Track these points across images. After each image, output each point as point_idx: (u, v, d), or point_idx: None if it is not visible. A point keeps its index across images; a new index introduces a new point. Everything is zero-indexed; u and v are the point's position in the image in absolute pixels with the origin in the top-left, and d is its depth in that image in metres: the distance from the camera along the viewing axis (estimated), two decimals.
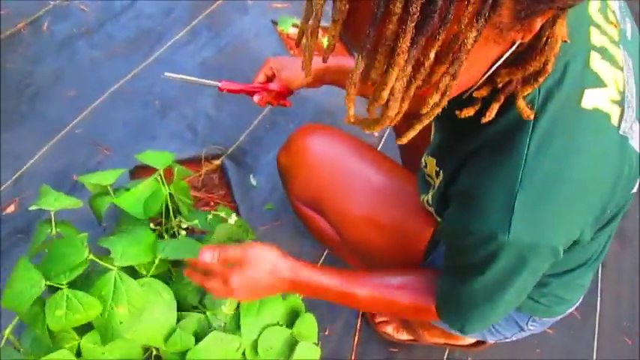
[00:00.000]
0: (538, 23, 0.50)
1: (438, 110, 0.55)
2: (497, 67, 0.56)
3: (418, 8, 0.43)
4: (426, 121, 0.57)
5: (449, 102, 0.54)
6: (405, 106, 0.52)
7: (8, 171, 1.37)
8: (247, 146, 1.62)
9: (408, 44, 0.45)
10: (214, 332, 1.05)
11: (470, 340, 1.32)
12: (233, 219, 1.17)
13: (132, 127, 1.55)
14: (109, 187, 1.17)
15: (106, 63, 1.67)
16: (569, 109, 0.61)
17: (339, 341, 1.35)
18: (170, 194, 1.16)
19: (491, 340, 1.12)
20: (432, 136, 0.88)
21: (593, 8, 0.67)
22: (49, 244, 1.02)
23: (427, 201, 0.89)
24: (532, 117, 0.60)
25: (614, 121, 0.63)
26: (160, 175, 1.16)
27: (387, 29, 0.45)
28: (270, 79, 1.23)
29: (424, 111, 0.55)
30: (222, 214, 1.18)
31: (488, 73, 0.58)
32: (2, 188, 1.35)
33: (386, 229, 1.05)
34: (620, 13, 0.72)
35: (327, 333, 1.34)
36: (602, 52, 0.64)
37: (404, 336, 1.35)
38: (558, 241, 0.64)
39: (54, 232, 1.07)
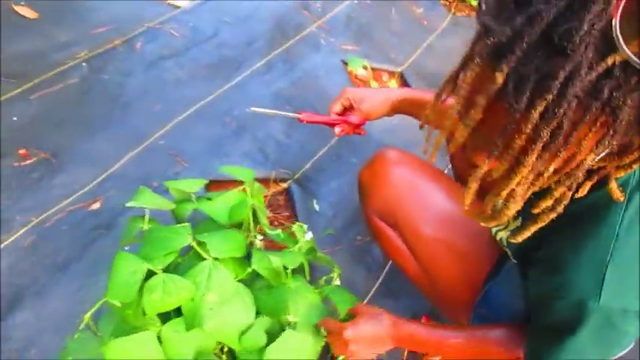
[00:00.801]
0: None
1: (554, 215, 0.61)
2: None
3: (548, 133, 0.49)
4: (540, 223, 0.63)
5: None
6: (519, 206, 0.59)
7: (96, 170, 1.48)
8: (312, 173, 1.70)
9: (534, 159, 0.52)
10: (289, 331, 1.11)
11: None
12: (309, 235, 1.25)
13: (208, 144, 1.66)
14: (192, 195, 1.26)
15: (190, 83, 1.80)
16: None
17: (389, 356, 1.39)
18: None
19: None
20: None
21: None
22: (147, 233, 1.10)
23: (501, 239, 0.96)
24: (622, 199, 0.64)
25: None
26: (246, 187, 1.25)
27: (516, 144, 0.51)
28: (346, 108, 1.31)
29: (536, 211, 0.61)
30: (297, 231, 1.26)
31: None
32: (89, 187, 1.45)
33: (454, 251, 1.13)
34: None
35: None
36: None
37: None
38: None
39: (146, 227, 1.15)
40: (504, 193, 0.57)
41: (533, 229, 0.64)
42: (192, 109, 1.72)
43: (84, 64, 1.72)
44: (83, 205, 1.41)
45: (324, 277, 1.29)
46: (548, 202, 0.59)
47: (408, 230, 1.18)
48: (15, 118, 1.53)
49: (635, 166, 0.61)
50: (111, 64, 1.77)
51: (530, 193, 0.58)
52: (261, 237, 1.28)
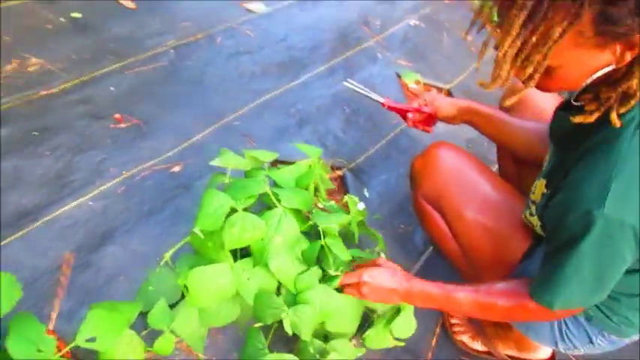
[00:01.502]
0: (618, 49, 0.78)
1: (533, 83, 0.84)
2: (599, 85, 0.84)
3: (529, 7, 0.75)
4: (527, 87, 0.86)
5: (564, 121, 0.85)
6: (511, 72, 0.82)
7: (178, 140, 1.68)
8: (364, 166, 1.88)
9: (520, 24, 0.77)
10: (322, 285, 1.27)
11: (541, 355, 1.46)
12: (361, 206, 1.42)
13: (274, 130, 1.85)
14: (264, 163, 1.45)
15: (261, 77, 2.01)
16: None
17: (418, 342, 1.52)
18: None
19: (562, 349, 1.24)
20: (545, 163, 1.13)
21: None
22: (232, 181, 1.29)
23: (529, 214, 1.12)
24: (618, 125, 0.84)
25: None
26: (312, 162, 1.43)
27: (511, 18, 0.77)
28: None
29: (522, 78, 0.83)
30: (350, 201, 1.43)
31: (588, 82, 0.85)
32: (172, 153, 1.65)
33: (491, 233, 1.28)
34: None
35: None
36: None
37: (478, 346, 1.51)
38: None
39: (227, 180, 1.34)
40: (500, 56, 0.81)
41: (522, 90, 0.91)
42: (262, 99, 1.92)
43: (172, 50, 1.96)
44: (166, 167, 1.61)
45: (368, 250, 1.46)
46: (530, 70, 0.82)
47: (451, 213, 1.34)
48: (112, 89, 1.75)
49: (632, 102, 0.82)
50: (194, 53, 1.99)
51: (519, 60, 0.81)
52: (322, 206, 1.46)
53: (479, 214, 1.29)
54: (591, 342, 1.17)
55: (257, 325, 1.26)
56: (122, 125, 1.66)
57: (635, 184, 0.83)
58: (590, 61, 0.83)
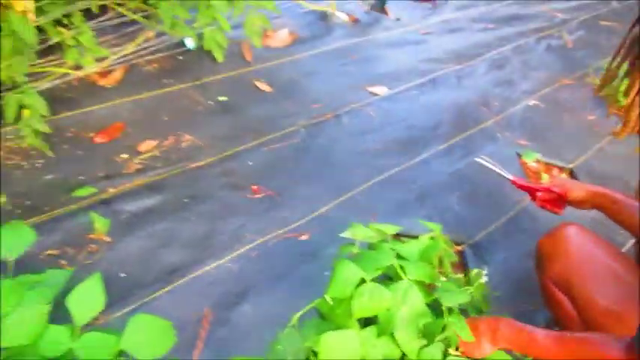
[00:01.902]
0: None
1: None
2: None
3: None
4: None
5: None
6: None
7: (306, 210, 1.82)
8: (484, 243, 1.90)
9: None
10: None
11: None
12: (484, 279, 1.44)
13: (395, 205, 1.94)
14: (388, 236, 1.53)
15: (383, 155, 2.13)
16: None
17: None
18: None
19: None
20: None
21: None
22: (362, 253, 1.38)
23: None
24: None
25: None
26: (436, 236, 1.49)
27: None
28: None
29: None
30: (474, 275, 1.46)
31: None
32: (301, 222, 1.79)
33: (625, 323, 1.23)
34: None
35: None
36: None
37: None
38: None
39: (355, 251, 1.43)
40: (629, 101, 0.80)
41: None
42: (384, 175, 2.03)
43: (302, 129, 2.14)
44: (295, 235, 1.74)
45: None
46: None
47: (582, 299, 1.31)
48: (250, 163, 1.95)
49: None
50: (323, 132, 2.17)
51: None
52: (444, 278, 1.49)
53: (612, 301, 1.25)
54: None
55: None
56: (258, 196, 1.84)
57: None
58: None
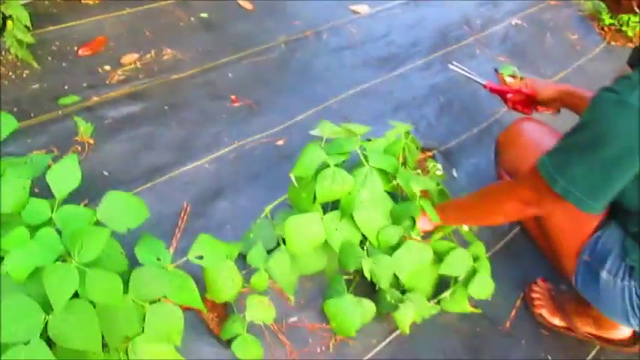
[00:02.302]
0: None
1: None
2: None
3: None
4: None
5: None
6: None
7: (283, 118, 1.90)
8: (455, 150, 1.98)
9: None
10: (413, 243, 1.39)
11: (621, 334, 1.45)
12: (440, 170, 1.53)
13: (371, 114, 2.01)
14: (358, 136, 1.60)
15: (362, 69, 2.19)
16: None
17: (497, 311, 1.57)
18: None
19: (635, 325, 1.23)
20: None
21: None
22: (330, 141, 1.46)
23: None
24: None
25: None
26: (401, 135, 1.57)
27: None
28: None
29: None
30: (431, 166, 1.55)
31: None
32: (277, 129, 1.86)
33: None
34: None
35: (488, 299, 1.58)
36: None
37: (557, 321, 1.53)
38: None
39: (322, 145, 1.52)
40: None
41: None
42: (361, 87, 2.10)
43: (283, 45, 2.19)
44: (272, 140, 1.82)
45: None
46: None
47: None
48: (230, 75, 2.02)
49: None
50: (302, 48, 2.22)
51: None
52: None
53: None
54: None
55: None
56: (237, 104, 1.91)
57: None
58: None
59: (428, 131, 2.01)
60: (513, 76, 2.34)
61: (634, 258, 1.14)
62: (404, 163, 1.60)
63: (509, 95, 1.59)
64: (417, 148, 1.70)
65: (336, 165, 1.38)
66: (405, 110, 2.06)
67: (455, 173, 1.88)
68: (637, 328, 1.25)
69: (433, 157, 1.92)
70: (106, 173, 1.61)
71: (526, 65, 2.46)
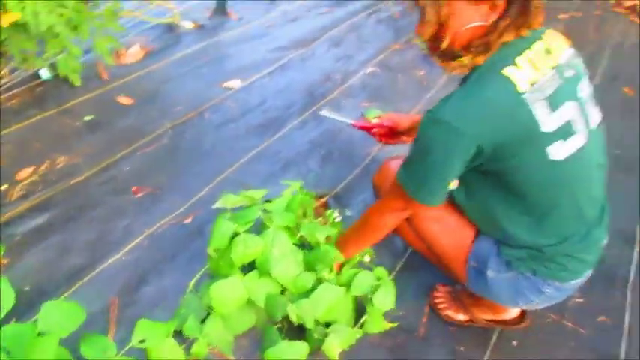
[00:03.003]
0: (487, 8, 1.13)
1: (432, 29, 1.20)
2: (472, 40, 1.18)
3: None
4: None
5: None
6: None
7: (187, 198, 2.06)
8: (344, 192, 2.24)
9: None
10: (326, 283, 1.60)
11: (512, 314, 1.73)
12: (339, 218, 1.77)
13: (264, 177, 2.22)
14: (258, 200, 1.81)
15: (247, 138, 2.41)
16: (494, 69, 1.13)
17: (411, 321, 1.79)
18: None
19: (522, 305, 1.48)
20: None
21: (538, 47, 1.18)
22: (237, 211, 1.64)
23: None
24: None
25: (520, 89, 1.11)
26: (297, 191, 1.80)
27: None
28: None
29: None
30: (329, 215, 1.79)
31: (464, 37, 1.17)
32: (182, 209, 2.02)
33: (442, 224, 1.52)
34: (566, 59, 1.23)
35: (401, 313, 1.81)
36: (530, 60, 1.15)
37: (462, 316, 1.78)
38: (463, 127, 1.09)
39: (229, 215, 1.70)
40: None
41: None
42: (251, 154, 2.31)
43: (170, 130, 2.37)
44: (180, 220, 1.98)
45: (358, 257, 1.78)
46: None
47: (411, 218, 1.57)
48: (127, 169, 2.15)
49: (489, 53, 1.16)
50: (189, 129, 2.41)
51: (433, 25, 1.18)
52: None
53: (428, 210, 1.49)
54: (541, 292, 1.36)
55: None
56: (139, 195, 2.04)
57: (469, 99, 1.11)
58: (468, 14, 1.14)
59: (317, 181, 2.25)
60: (379, 117, 2.68)
61: (507, 253, 1.38)
62: (305, 215, 1.83)
63: (374, 130, 1.86)
64: (312, 198, 1.94)
65: (246, 231, 1.56)
66: (294, 167, 2.30)
67: (348, 212, 2.13)
68: (525, 306, 1.51)
69: (326, 203, 2.16)
70: (27, 288, 1.67)
71: (386, 105, 2.82)
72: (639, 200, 2.52)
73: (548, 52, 1.21)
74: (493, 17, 1.14)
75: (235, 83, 2.76)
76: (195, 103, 2.57)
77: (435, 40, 1.23)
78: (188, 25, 3.19)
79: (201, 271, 1.65)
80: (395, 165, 1.68)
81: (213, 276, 1.66)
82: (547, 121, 1.15)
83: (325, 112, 1.93)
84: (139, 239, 1.88)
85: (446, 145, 1.13)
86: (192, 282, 1.65)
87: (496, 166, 1.19)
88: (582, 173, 1.27)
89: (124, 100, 2.50)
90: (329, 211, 1.80)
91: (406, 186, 1.27)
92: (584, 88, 1.26)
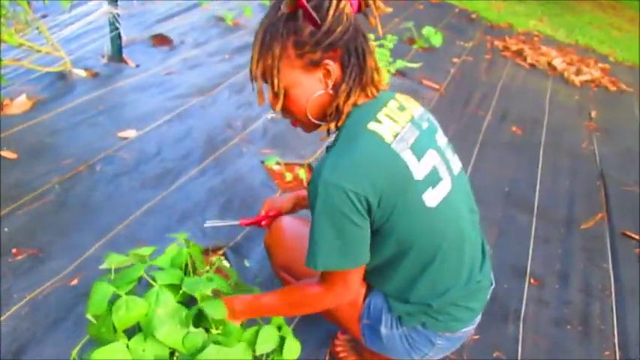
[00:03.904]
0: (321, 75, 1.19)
1: (279, 105, 1.22)
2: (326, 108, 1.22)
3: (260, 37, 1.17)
4: (277, 109, 1.24)
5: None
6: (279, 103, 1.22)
7: (73, 258, 1.94)
8: (243, 242, 2.21)
9: (257, 50, 1.18)
10: (214, 345, 1.55)
11: None
12: (226, 264, 1.74)
13: (158, 231, 2.15)
14: (147, 257, 1.74)
15: (141, 191, 2.34)
16: (359, 126, 1.17)
17: None
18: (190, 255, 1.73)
19: (416, 357, 1.46)
20: None
21: (392, 104, 1.25)
22: (118, 272, 1.56)
23: None
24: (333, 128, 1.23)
25: (387, 140, 1.16)
26: (183, 244, 1.74)
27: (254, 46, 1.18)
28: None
29: (272, 101, 1.25)
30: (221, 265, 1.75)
31: (310, 105, 1.21)
32: (68, 270, 1.91)
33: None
34: (420, 114, 1.31)
35: None
36: (388, 115, 1.21)
37: None
38: (349, 185, 1.10)
39: (112, 277, 1.62)
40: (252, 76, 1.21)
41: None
42: (144, 208, 2.24)
43: (57, 185, 2.25)
44: (65, 282, 1.86)
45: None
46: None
47: (302, 276, 1.55)
48: (6, 229, 2.01)
49: (344, 116, 1.20)
50: (78, 184, 2.30)
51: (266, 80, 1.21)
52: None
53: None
54: (433, 344, 1.39)
55: None
56: (20, 257, 1.91)
57: (345, 157, 1.13)
58: (308, 84, 1.18)
59: (215, 233, 2.21)
60: (278, 163, 2.70)
61: (397, 309, 1.39)
62: (194, 269, 1.78)
63: (263, 222, 1.78)
64: (200, 249, 1.88)
65: (128, 292, 1.49)
66: (190, 219, 2.25)
67: (247, 263, 2.10)
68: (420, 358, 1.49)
69: (224, 254, 2.12)
70: None
71: (288, 152, 2.84)
72: (530, 235, 2.68)
73: (402, 108, 1.28)
74: (331, 83, 1.18)
75: (131, 133, 2.68)
76: (87, 155, 2.46)
77: (289, 112, 1.27)
78: (81, 73, 3.08)
79: (85, 339, 1.54)
80: (288, 226, 1.66)
81: (96, 343, 1.56)
82: (417, 169, 1.19)
83: (209, 223, 1.89)
84: (18, 306, 1.74)
85: (340, 205, 1.12)
86: (75, 350, 1.54)
87: (381, 220, 1.20)
88: (454, 217, 1.31)
89: (8, 154, 2.36)
90: (215, 258, 1.75)
91: (329, 264, 1.22)
92: (440, 138, 1.32)
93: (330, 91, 1.20)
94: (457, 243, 1.33)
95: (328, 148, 1.27)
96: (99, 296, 1.47)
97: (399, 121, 1.23)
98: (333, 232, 1.15)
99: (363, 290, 1.47)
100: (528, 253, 2.56)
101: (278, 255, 1.65)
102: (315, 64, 1.17)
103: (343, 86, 1.18)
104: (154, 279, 1.55)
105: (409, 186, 1.18)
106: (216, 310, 1.55)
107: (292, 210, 1.78)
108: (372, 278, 1.44)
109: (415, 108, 1.33)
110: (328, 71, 1.17)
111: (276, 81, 1.18)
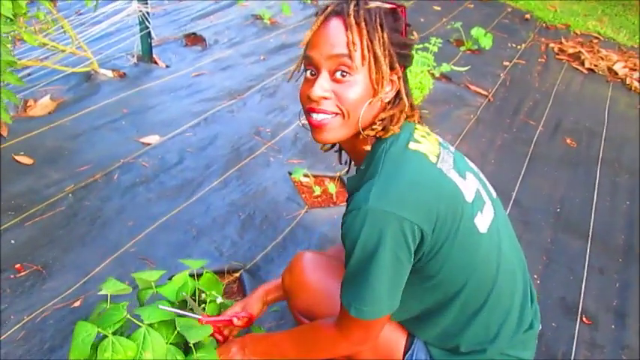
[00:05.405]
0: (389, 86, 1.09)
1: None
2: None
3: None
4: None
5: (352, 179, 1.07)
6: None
7: (77, 277, 1.81)
8: (262, 264, 2.03)
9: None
10: None
11: None
12: (219, 299, 1.56)
13: (172, 248, 2.00)
14: (152, 283, 1.59)
15: (157, 203, 2.19)
16: (401, 146, 1.08)
17: None
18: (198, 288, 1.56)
19: None
20: None
21: (419, 128, 1.18)
22: (103, 311, 1.41)
23: None
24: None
25: (432, 160, 1.07)
26: (191, 273, 1.57)
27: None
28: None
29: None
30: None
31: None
32: (71, 290, 1.77)
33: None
34: (442, 140, 1.21)
35: None
36: (423, 137, 1.13)
37: None
38: (402, 212, 0.97)
39: (107, 306, 1.47)
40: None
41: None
42: (159, 222, 2.09)
43: (70, 195, 2.13)
44: (66, 304, 1.73)
45: None
46: None
47: None
48: (12, 242, 1.90)
49: (387, 134, 1.10)
50: (92, 193, 2.17)
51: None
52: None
53: None
54: None
55: None
56: (22, 273, 1.79)
57: (393, 181, 1.01)
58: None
59: (232, 251, 2.04)
60: (307, 176, 2.51)
61: (441, 357, 1.24)
62: (202, 302, 1.60)
63: (235, 321, 1.47)
64: (217, 279, 1.71)
65: (115, 332, 1.33)
66: (207, 236, 2.09)
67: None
68: None
69: (240, 278, 1.95)
70: None
71: (318, 162, 2.65)
72: (583, 265, 2.40)
73: (428, 133, 1.20)
74: (392, 94, 1.12)
75: (153, 139, 2.55)
76: (105, 161, 2.34)
77: (346, 101, 1.08)
78: (108, 73, 2.97)
79: None
80: (310, 267, 1.46)
81: None
82: (465, 190, 1.10)
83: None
84: (13, 329, 1.62)
85: (389, 238, 0.98)
86: None
87: (429, 255, 1.06)
88: (503, 247, 1.17)
89: (23, 159, 2.26)
90: (210, 296, 1.57)
91: (360, 311, 1.07)
92: (470, 162, 1.25)
93: (386, 101, 1.12)
94: (510, 274, 1.19)
95: (359, 171, 1.16)
96: (81, 338, 1.31)
97: (433, 143, 1.15)
98: (371, 265, 1.01)
99: (402, 341, 1.27)
100: (581, 286, 2.28)
101: (299, 299, 1.45)
102: (390, 68, 1.08)
103: (402, 101, 1.12)
104: (140, 319, 1.37)
105: (463, 209, 1.07)
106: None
107: (261, 310, 1.54)
108: (411, 324, 1.26)
109: (435, 135, 1.24)
110: (393, 81, 1.10)
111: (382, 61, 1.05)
